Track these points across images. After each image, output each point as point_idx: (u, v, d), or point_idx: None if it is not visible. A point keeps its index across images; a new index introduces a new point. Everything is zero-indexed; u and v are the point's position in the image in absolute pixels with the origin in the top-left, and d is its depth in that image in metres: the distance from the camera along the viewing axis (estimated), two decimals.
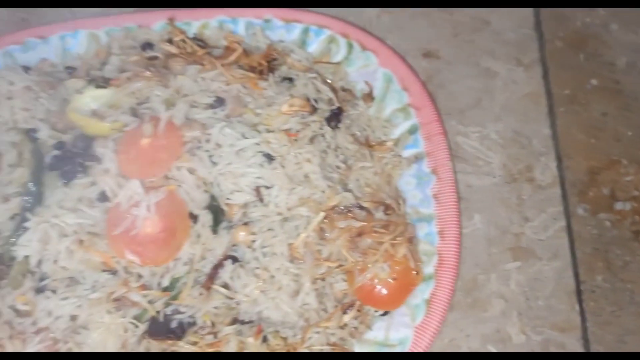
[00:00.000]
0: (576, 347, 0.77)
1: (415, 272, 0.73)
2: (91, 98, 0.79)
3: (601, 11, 0.98)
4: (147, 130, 0.70)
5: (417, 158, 0.82)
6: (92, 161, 0.72)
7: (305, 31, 0.92)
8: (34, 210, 0.71)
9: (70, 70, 0.91)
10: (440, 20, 1.01)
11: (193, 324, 0.71)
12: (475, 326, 0.78)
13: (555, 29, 0.98)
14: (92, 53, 0.93)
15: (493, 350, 0.77)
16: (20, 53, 0.94)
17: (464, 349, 0.77)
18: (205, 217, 0.72)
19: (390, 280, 0.72)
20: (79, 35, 0.95)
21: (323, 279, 0.71)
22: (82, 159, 0.72)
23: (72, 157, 0.72)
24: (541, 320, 0.79)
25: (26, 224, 0.70)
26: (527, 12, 1.00)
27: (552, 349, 0.77)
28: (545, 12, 1.00)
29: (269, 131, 0.74)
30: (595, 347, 0.77)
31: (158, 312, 0.70)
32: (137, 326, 0.70)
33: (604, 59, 0.95)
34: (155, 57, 0.86)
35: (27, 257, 0.71)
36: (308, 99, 0.78)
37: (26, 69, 0.88)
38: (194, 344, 0.70)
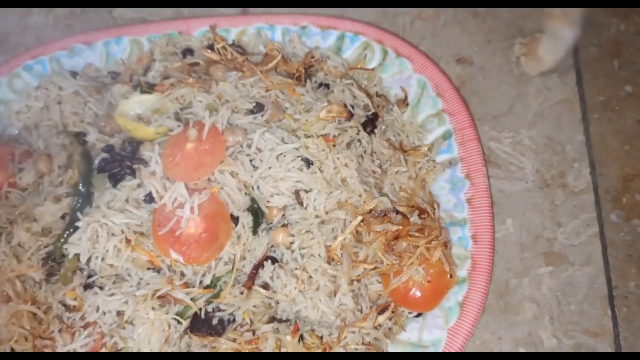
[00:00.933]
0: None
1: (449, 276, 0.74)
2: (137, 103, 0.82)
3: (636, 18, 0.98)
4: (192, 135, 0.73)
5: (451, 163, 0.83)
6: (139, 164, 0.75)
7: (341, 38, 0.94)
8: (84, 211, 0.75)
9: (114, 75, 0.95)
10: (474, 27, 1.02)
11: (233, 321, 0.74)
12: (507, 329, 0.79)
13: (590, 36, 0.98)
14: (134, 59, 0.97)
15: None
16: (67, 59, 0.98)
17: (496, 351, 0.78)
18: (246, 219, 0.74)
19: (425, 283, 0.73)
20: (122, 42, 0.99)
21: (359, 281, 0.74)
22: (129, 162, 0.75)
23: (120, 160, 0.76)
24: (573, 325, 0.79)
25: (77, 224, 0.73)
26: None
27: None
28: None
29: (307, 136, 0.76)
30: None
31: (200, 309, 0.73)
32: (179, 322, 0.73)
33: (638, 66, 0.95)
34: (197, 64, 0.90)
35: (77, 255, 0.74)
36: (345, 105, 0.80)
37: (74, 74, 0.92)
38: (234, 340, 0.73)
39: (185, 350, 0.74)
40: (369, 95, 0.85)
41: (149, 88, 0.85)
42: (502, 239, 0.84)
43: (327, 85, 0.86)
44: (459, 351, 0.73)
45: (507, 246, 0.84)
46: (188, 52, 0.94)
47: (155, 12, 1.10)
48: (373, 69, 0.92)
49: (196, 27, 0.98)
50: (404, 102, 0.89)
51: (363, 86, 0.88)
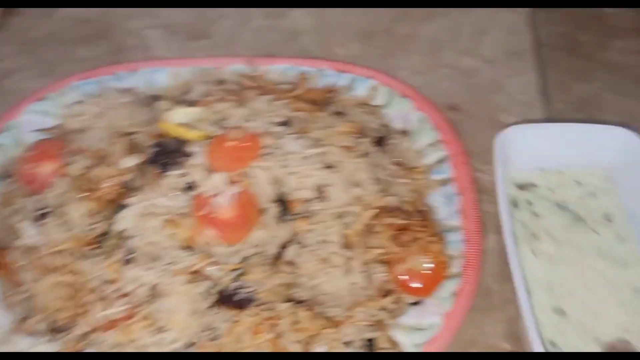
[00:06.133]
0: None
1: (445, 267, 0.86)
2: (180, 114, 0.96)
3: (597, 83, 1.19)
4: (233, 135, 0.87)
5: (445, 182, 0.98)
6: (185, 157, 0.88)
7: (353, 80, 1.12)
8: (133, 193, 0.86)
9: (156, 99, 1.09)
10: (462, 83, 1.22)
11: (254, 299, 0.83)
12: (492, 326, 0.90)
13: (559, 94, 1.18)
14: (175, 86, 1.12)
15: (508, 346, 0.88)
16: (112, 83, 1.13)
17: (482, 344, 0.88)
18: (272, 209, 0.86)
19: (425, 272, 0.85)
20: (163, 72, 1.14)
21: (368, 265, 0.85)
22: (176, 155, 0.88)
23: (168, 153, 0.88)
24: None
25: (125, 202, 0.84)
26: (534, 81, 1.21)
27: None
28: (549, 81, 1.21)
29: (329, 145, 0.90)
30: None
31: (227, 286, 0.82)
32: (207, 297, 0.82)
33: (598, 120, 1.14)
34: (232, 89, 1.05)
35: (120, 231, 0.84)
36: (360, 125, 0.95)
37: (124, 90, 1.07)
38: (254, 316, 0.82)
39: (208, 323, 0.82)
40: (377, 122, 1.01)
41: (191, 104, 0.99)
42: (486, 251, 0.97)
43: (342, 113, 1.02)
44: (453, 334, 0.83)
45: (490, 256, 0.97)
46: (222, 82, 1.10)
47: (190, 56, 1.28)
48: (380, 106, 1.08)
49: (230, 63, 1.14)
50: (405, 133, 1.05)
51: (372, 117, 1.04)
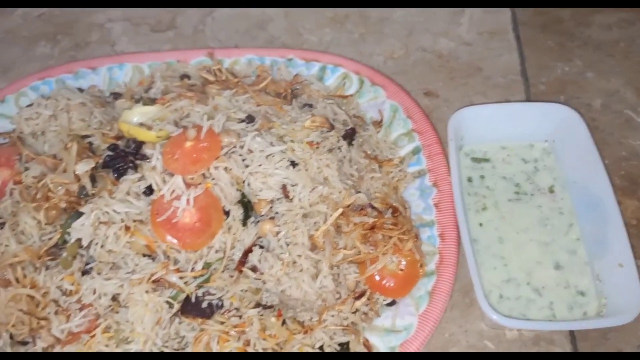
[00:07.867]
0: (564, 343, 0.85)
1: (420, 265, 0.82)
2: (139, 113, 0.91)
3: (578, 61, 1.14)
4: (191, 134, 0.82)
5: (420, 174, 0.93)
6: (142, 160, 0.83)
7: (323, 69, 1.07)
8: (88, 200, 0.81)
9: (116, 96, 1.04)
10: (439, 67, 1.17)
11: (221, 306, 0.79)
12: (473, 323, 0.86)
13: (539, 75, 1.13)
14: (136, 82, 1.07)
15: (490, 344, 0.85)
16: (72, 81, 1.08)
17: (463, 342, 0.85)
18: (237, 212, 0.82)
19: (398, 272, 0.81)
20: (124, 67, 1.09)
21: (338, 267, 0.81)
22: (132, 158, 0.83)
23: (123, 156, 0.83)
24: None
25: (81, 209, 0.80)
26: (514, 62, 1.16)
27: (542, 343, 0.84)
28: (530, 62, 1.16)
29: (293, 142, 0.86)
30: (582, 346, 0.85)
31: (191, 293, 0.78)
32: (171, 305, 0.78)
33: (581, 100, 1.09)
34: (194, 84, 1.00)
35: (77, 240, 0.80)
36: (327, 118, 0.91)
37: (80, 90, 1.01)
38: (222, 323, 0.78)
39: (174, 333, 0.79)
40: (347, 114, 0.96)
41: (151, 102, 0.94)
42: None
43: (310, 105, 0.97)
44: (429, 335, 0.79)
45: None
46: (185, 76, 1.05)
47: (155, 48, 1.22)
48: (351, 95, 1.03)
49: (193, 56, 1.09)
50: (379, 123, 1.00)
51: (342, 108, 0.99)
